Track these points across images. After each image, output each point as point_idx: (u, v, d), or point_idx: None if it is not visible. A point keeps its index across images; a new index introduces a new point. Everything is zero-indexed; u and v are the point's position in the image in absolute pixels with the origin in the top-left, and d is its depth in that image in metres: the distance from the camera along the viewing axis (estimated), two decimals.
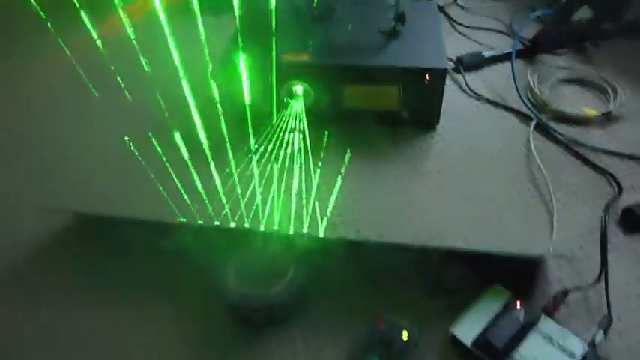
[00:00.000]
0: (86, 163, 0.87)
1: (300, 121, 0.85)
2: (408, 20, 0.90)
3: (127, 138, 0.81)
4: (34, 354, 0.61)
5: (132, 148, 0.80)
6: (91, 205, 0.75)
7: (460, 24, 1.20)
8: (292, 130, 0.84)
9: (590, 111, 0.90)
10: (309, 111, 0.86)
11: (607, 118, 0.89)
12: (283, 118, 0.86)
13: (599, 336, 0.58)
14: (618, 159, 0.82)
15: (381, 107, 0.87)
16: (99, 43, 0.88)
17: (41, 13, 0.84)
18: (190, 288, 0.66)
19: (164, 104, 0.84)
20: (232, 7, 1.16)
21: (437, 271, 0.65)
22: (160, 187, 0.75)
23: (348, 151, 0.82)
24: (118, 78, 0.88)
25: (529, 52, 1.06)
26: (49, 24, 0.87)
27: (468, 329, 0.58)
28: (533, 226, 0.72)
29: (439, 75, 0.83)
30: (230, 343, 0.61)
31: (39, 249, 0.72)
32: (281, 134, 0.83)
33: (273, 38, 0.82)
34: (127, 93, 0.90)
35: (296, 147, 0.81)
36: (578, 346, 0.56)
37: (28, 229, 0.75)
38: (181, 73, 0.74)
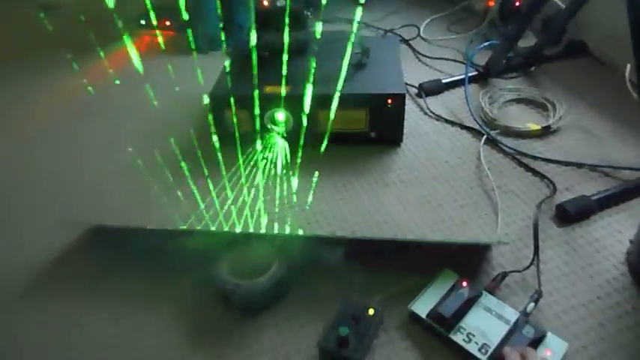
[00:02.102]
0: (98, 182, 0.99)
1: (281, 142, 0.99)
2: (372, 53, 1.05)
3: (130, 149, 0.95)
4: (58, 343, 0.72)
5: (138, 162, 0.93)
6: (103, 217, 0.88)
7: (423, 55, 1.35)
8: (274, 150, 0.97)
9: (533, 126, 1.04)
10: (289, 133, 0.99)
11: (546, 131, 1.03)
12: (267, 140, 0.99)
13: (530, 307, 0.70)
14: (555, 165, 0.96)
15: (351, 129, 1.01)
16: (110, 73, 1.03)
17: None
18: (190, 284, 0.77)
19: (166, 129, 0.98)
20: (222, 46, 1.32)
21: (398, 260, 0.77)
22: (164, 199, 0.87)
23: (322, 166, 0.95)
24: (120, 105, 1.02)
25: (482, 77, 1.21)
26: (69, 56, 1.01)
27: (423, 305, 0.70)
28: (481, 222, 0.85)
29: (399, 99, 0.96)
30: (224, 327, 0.72)
31: (59, 256, 0.84)
32: (265, 153, 0.97)
33: (256, 73, 0.96)
34: (130, 119, 1.04)
35: (278, 164, 0.95)
36: (512, 315, 0.68)
37: (48, 240, 0.86)
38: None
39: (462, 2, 1.55)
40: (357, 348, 0.65)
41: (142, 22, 1.61)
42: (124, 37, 1.40)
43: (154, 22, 1.61)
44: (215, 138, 0.95)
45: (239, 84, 0.98)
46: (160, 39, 1.58)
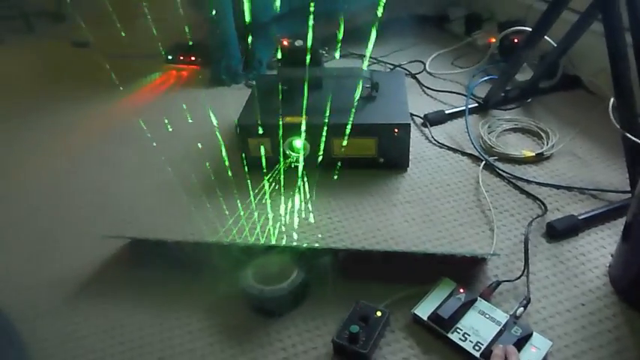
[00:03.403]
0: (135, 200, 1.11)
1: (299, 167, 1.10)
2: (381, 87, 1.16)
3: (168, 169, 1.07)
4: (101, 343, 0.82)
5: (171, 183, 1.05)
6: (140, 232, 0.99)
7: (428, 87, 1.47)
8: (294, 174, 1.09)
9: (528, 152, 1.14)
10: (305, 159, 1.11)
11: (540, 158, 1.13)
12: (286, 165, 1.11)
13: (520, 311, 0.79)
14: (548, 188, 1.05)
15: (362, 155, 1.11)
16: (141, 104, 1.18)
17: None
18: (219, 290, 0.87)
19: (194, 154, 1.11)
20: (243, 80, 1.45)
21: (403, 270, 0.87)
22: (195, 216, 0.99)
23: (336, 188, 1.06)
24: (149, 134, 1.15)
25: (481, 108, 1.32)
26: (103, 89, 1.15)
27: (425, 309, 0.80)
28: (478, 238, 0.95)
29: (405, 128, 1.07)
30: (250, 327, 0.82)
31: (101, 267, 0.95)
32: (285, 177, 1.08)
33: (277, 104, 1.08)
34: (160, 145, 1.17)
35: (298, 186, 1.07)
36: (503, 317, 0.78)
37: (92, 253, 0.98)
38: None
39: (466, 39, 1.68)
40: (366, 344, 0.74)
41: (169, 57, 1.75)
42: (153, 72, 1.55)
43: (181, 57, 1.75)
44: (241, 162, 1.08)
45: (262, 114, 1.09)
46: (186, 73, 1.72)
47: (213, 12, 1.41)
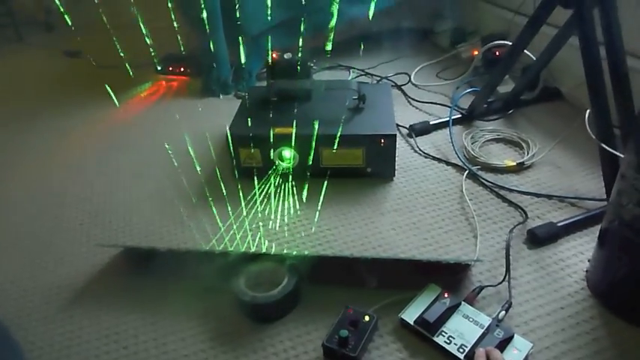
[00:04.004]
0: (129, 208, 1.13)
1: (288, 176, 1.13)
2: (367, 99, 1.20)
3: (158, 179, 1.10)
4: (96, 349, 0.84)
5: (163, 192, 1.08)
6: (135, 240, 1.01)
7: (413, 99, 1.51)
8: (283, 183, 1.12)
9: (509, 162, 1.18)
10: (295, 169, 1.14)
11: (521, 167, 1.17)
12: (276, 175, 1.14)
13: (502, 314, 0.82)
14: (529, 197, 1.09)
15: (349, 165, 1.15)
16: (132, 114, 1.21)
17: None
18: (212, 297, 0.90)
19: (184, 164, 1.14)
20: (232, 90, 1.48)
21: (390, 276, 0.90)
22: (189, 225, 1.01)
23: (325, 197, 1.09)
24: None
25: (465, 119, 1.36)
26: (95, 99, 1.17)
27: (411, 313, 0.83)
28: (462, 245, 0.98)
29: (391, 139, 1.11)
30: (242, 333, 0.84)
31: (96, 274, 0.97)
32: (275, 186, 1.11)
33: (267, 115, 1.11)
34: (152, 154, 1.19)
35: (288, 195, 1.09)
36: (486, 320, 0.81)
37: (88, 261, 1.00)
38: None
39: (451, 51, 1.72)
40: (355, 348, 0.77)
41: (159, 67, 1.78)
42: (144, 82, 1.58)
43: (170, 68, 1.78)
44: (231, 171, 1.11)
45: (252, 125, 1.12)
46: (176, 83, 1.75)
47: (204, 24, 1.44)
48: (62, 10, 1.42)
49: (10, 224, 1.12)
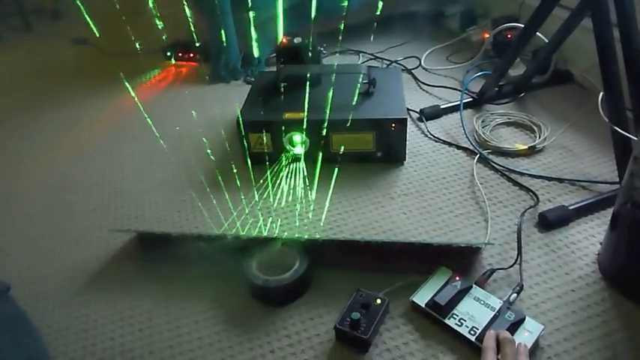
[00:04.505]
0: (142, 194, 1.15)
1: (299, 161, 1.14)
2: (378, 83, 1.19)
3: (170, 163, 1.10)
4: (111, 331, 0.85)
5: (175, 177, 1.09)
6: (148, 225, 1.03)
7: (424, 83, 1.50)
8: (294, 168, 1.12)
9: (520, 146, 1.17)
10: (305, 154, 1.14)
11: (532, 151, 1.17)
12: (287, 160, 1.14)
13: (513, 297, 0.83)
14: (540, 180, 1.09)
15: (360, 149, 1.15)
16: (142, 100, 1.21)
17: None
18: (224, 280, 0.91)
19: (196, 150, 1.15)
20: (242, 76, 1.48)
21: (401, 259, 0.91)
22: (201, 210, 1.02)
23: (335, 181, 1.09)
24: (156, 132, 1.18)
25: (476, 103, 1.35)
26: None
27: (422, 296, 0.83)
28: (473, 229, 0.99)
29: (402, 123, 1.11)
30: (254, 317, 0.85)
31: (110, 259, 0.98)
32: (286, 171, 1.12)
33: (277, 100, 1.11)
34: (164, 140, 1.20)
35: (299, 180, 1.10)
36: (497, 303, 0.81)
37: (102, 246, 1.01)
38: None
39: (461, 35, 1.71)
40: (366, 330, 0.78)
41: (168, 53, 1.78)
42: (153, 68, 1.58)
43: (180, 54, 1.78)
44: (242, 156, 1.11)
45: (262, 110, 1.12)
46: (185, 69, 1.75)
47: (213, 9, 1.44)
48: None
49: (24, 212, 1.13)
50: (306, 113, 1.10)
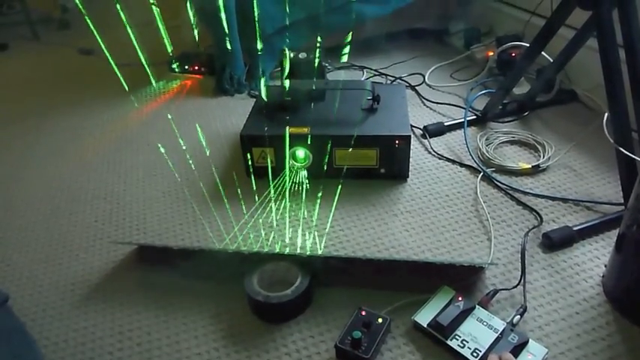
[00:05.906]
0: (144, 207, 1.14)
1: (302, 176, 1.13)
2: (382, 99, 1.19)
3: (175, 177, 1.10)
4: (110, 345, 0.84)
5: (177, 190, 1.08)
6: (149, 238, 1.02)
7: (428, 100, 1.50)
8: (297, 183, 1.12)
9: (524, 165, 1.17)
10: (309, 169, 1.14)
11: (536, 170, 1.16)
12: (290, 175, 1.14)
13: (517, 319, 0.82)
14: (544, 200, 1.08)
15: (363, 165, 1.14)
16: (147, 112, 1.21)
17: None
18: (224, 296, 0.90)
19: (198, 162, 1.14)
20: (246, 89, 1.48)
21: (403, 278, 0.90)
22: (203, 223, 1.02)
23: (338, 197, 1.09)
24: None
25: (480, 120, 1.35)
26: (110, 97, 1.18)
27: (425, 316, 0.82)
28: (476, 247, 0.98)
29: (405, 140, 1.10)
30: (255, 333, 0.84)
31: (110, 271, 0.98)
32: (289, 186, 1.11)
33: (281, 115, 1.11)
34: (167, 152, 1.20)
35: (301, 195, 1.10)
36: (500, 324, 0.80)
37: (102, 258, 1.00)
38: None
39: (465, 52, 1.71)
40: (368, 349, 0.77)
41: (173, 66, 1.79)
42: (158, 81, 1.58)
43: (185, 67, 1.78)
44: (245, 170, 1.11)
45: (265, 125, 1.12)
46: (190, 82, 1.75)
47: (219, 22, 1.44)
48: (81, 7, 1.43)
49: (25, 221, 1.13)
50: (309, 128, 1.10)
